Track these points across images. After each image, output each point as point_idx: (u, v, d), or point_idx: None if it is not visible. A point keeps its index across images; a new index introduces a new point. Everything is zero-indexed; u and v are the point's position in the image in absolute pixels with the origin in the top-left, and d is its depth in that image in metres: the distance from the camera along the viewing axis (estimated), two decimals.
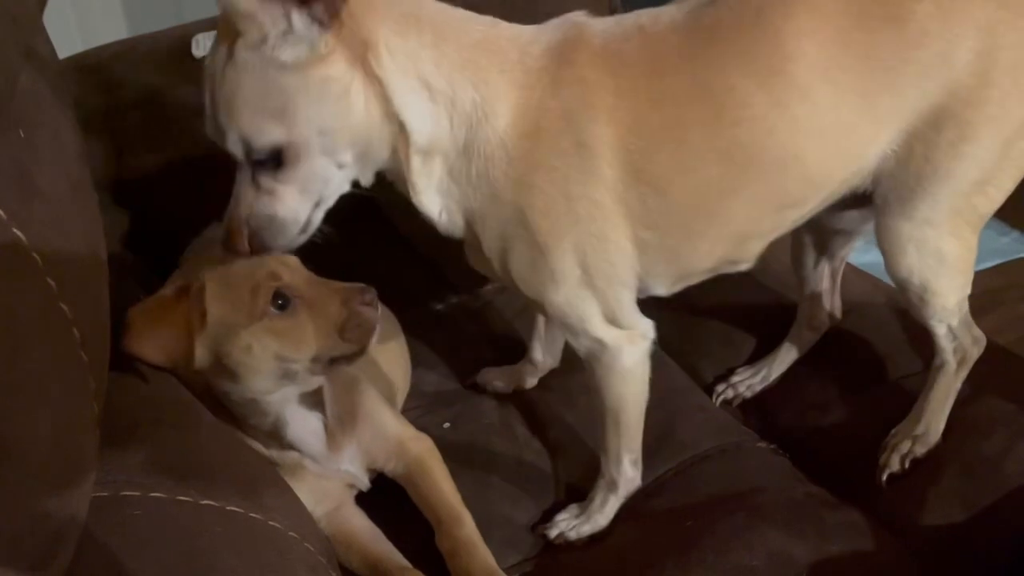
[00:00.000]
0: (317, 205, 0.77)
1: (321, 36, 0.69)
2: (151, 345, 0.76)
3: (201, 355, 0.78)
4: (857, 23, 0.75)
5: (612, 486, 0.95)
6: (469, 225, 0.81)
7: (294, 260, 0.83)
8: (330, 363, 0.82)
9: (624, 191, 0.78)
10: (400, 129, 0.75)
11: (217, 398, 0.84)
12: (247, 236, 0.77)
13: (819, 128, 0.78)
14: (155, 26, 1.25)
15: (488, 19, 0.79)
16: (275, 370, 0.80)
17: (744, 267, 0.90)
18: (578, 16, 0.80)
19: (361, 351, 0.83)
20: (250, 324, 0.78)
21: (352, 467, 0.94)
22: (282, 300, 0.79)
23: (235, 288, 0.79)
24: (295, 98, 0.70)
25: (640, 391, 0.90)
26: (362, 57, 0.71)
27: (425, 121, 0.75)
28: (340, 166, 0.75)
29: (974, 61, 0.76)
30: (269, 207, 0.75)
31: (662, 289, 0.88)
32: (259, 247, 0.78)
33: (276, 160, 0.73)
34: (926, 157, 0.80)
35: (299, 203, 0.75)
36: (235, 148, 0.73)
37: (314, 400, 0.89)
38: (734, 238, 0.85)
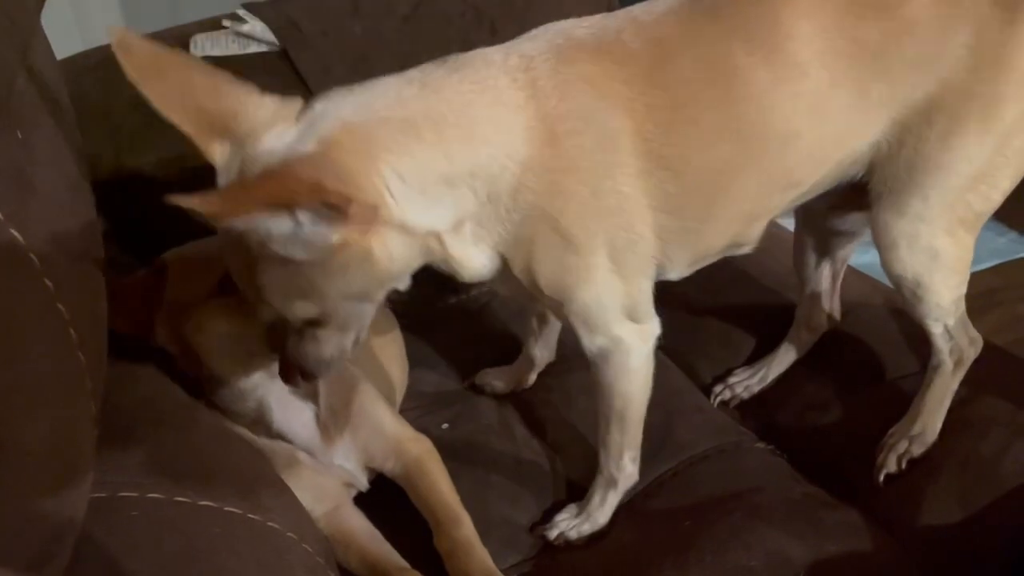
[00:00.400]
0: (359, 331, 0.79)
1: (332, 229, 0.63)
2: (119, 317, 0.77)
3: (161, 333, 0.80)
4: (850, 8, 0.76)
5: (611, 483, 0.95)
6: (502, 256, 0.79)
7: None
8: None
9: (646, 179, 0.77)
10: (427, 233, 0.72)
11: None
12: (299, 371, 0.80)
13: (817, 106, 0.78)
14: (153, 26, 1.25)
15: (452, 62, 0.74)
16: (230, 351, 0.82)
17: (747, 249, 0.91)
18: (556, 24, 0.79)
19: None
20: (200, 302, 0.79)
21: (348, 463, 0.94)
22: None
23: (191, 268, 0.81)
24: (319, 283, 0.68)
25: (645, 389, 0.90)
26: (375, 213, 0.66)
27: (450, 212, 0.72)
28: (375, 301, 0.76)
29: (966, 56, 0.77)
30: (315, 351, 0.77)
31: (675, 274, 0.88)
32: (312, 378, 0.81)
33: (314, 321, 0.74)
34: (917, 149, 0.81)
35: (341, 340, 0.77)
36: (270, 316, 0.74)
37: (305, 391, 0.90)
38: (744, 217, 0.86)
